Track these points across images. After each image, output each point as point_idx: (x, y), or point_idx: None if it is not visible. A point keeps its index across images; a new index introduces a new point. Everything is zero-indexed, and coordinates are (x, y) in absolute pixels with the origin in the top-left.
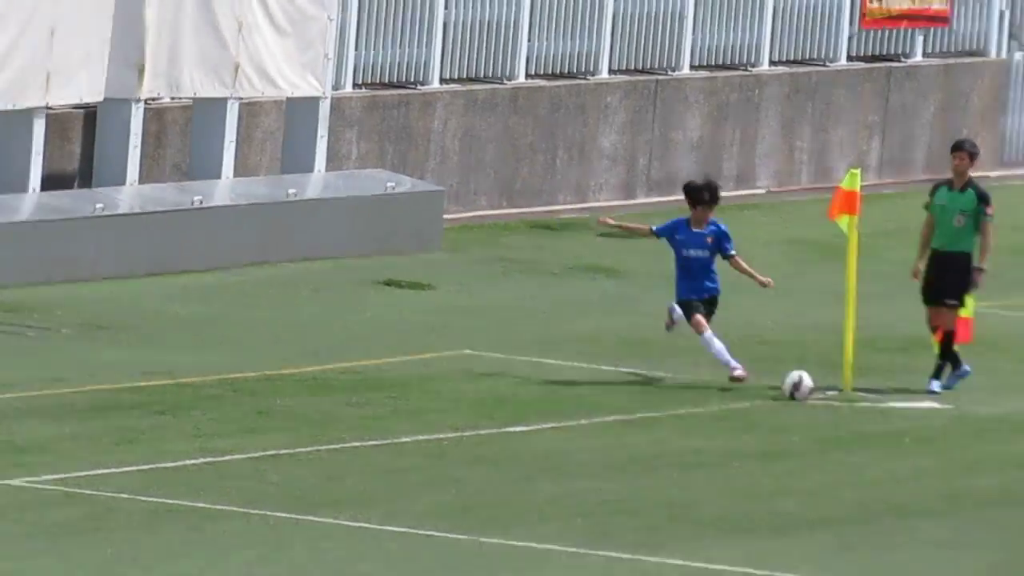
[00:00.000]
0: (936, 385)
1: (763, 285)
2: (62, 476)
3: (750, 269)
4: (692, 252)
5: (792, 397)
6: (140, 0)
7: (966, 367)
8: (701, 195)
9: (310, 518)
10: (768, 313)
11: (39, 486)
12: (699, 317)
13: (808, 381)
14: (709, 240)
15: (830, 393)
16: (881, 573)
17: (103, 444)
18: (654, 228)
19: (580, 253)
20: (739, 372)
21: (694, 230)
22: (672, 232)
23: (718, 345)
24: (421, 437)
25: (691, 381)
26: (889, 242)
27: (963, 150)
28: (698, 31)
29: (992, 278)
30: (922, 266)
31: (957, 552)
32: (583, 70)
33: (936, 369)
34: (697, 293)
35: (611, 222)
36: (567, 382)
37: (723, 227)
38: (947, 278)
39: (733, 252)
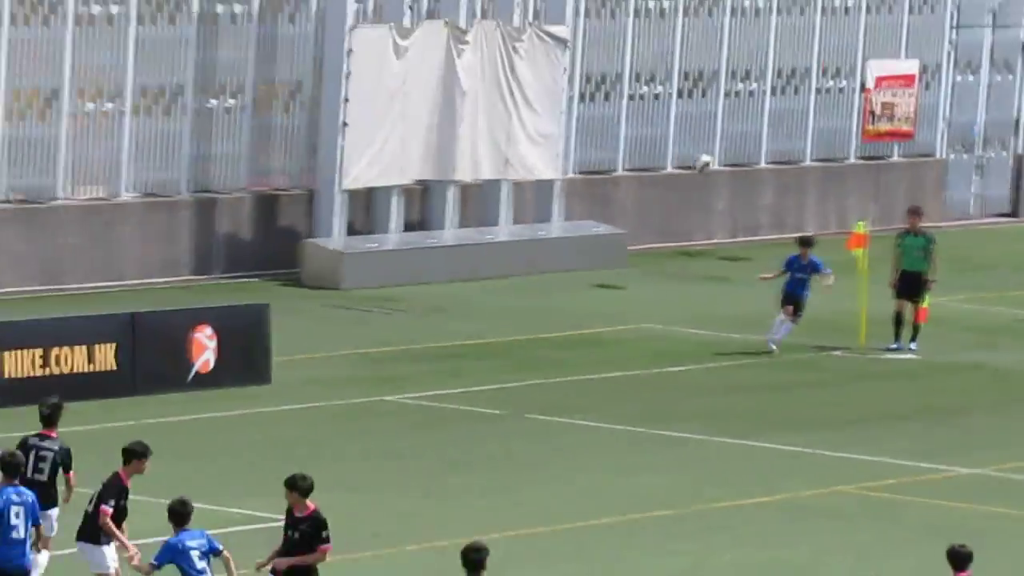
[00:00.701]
0: (913, 345)
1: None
2: (416, 395)
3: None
4: (798, 275)
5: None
6: (453, 124)
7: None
8: (804, 241)
9: (555, 419)
10: (819, 303)
11: (404, 401)
12: (789, 307)
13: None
14: (808, 268)
15: (849, 349)
16: (878, 450)
17: (439, 376)
18: (783, 268)
19: (706, 269)
20: (771, 347)
21: (802, 262)
22: (790, 265)
23: (781, 329)
24: (618, 373)
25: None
26: (881, 264)
27: (914, 212)
28: (769, 142)
29: (939, 285)
30: (894, 279)
31: (927, 440)
32: (606, 173)
33: (911, 337)
34: (796, 290)
35: (767, 276)
36: (700, 342)
37: (816, 259)
38: (913, 287)
39: (829, 271)
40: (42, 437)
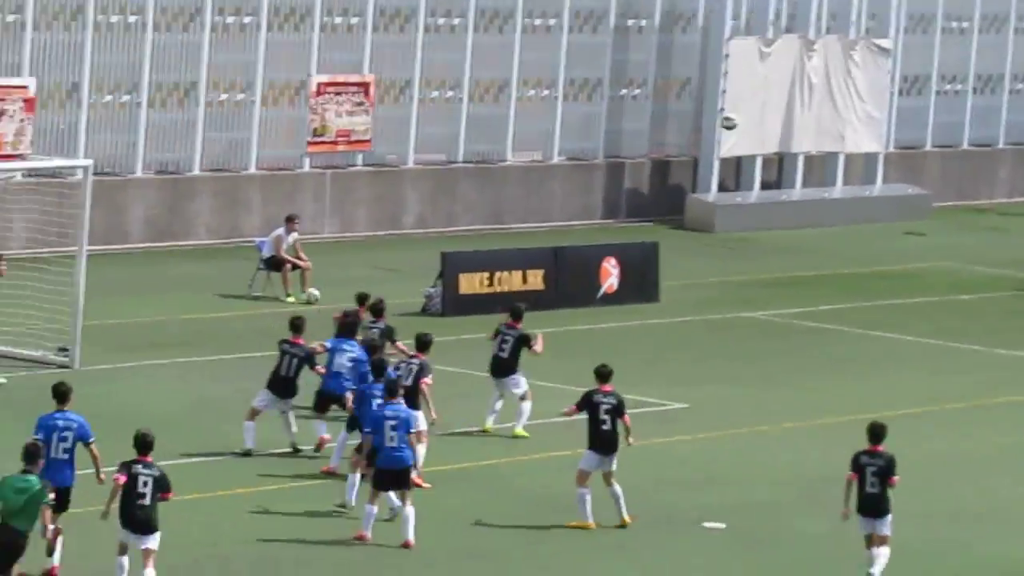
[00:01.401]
0: None
1: None
2: (767, 312)
3: None
4: None
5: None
6: (802, 110)
7: None
8: None
9: (870, 332)
10: None
11: (757, 316)
12: None
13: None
14: None
15: None
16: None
17: (784, 298)
18: None
19: (990, 222)
20: None
21: None
22: None
23: None
24: (920, 299)
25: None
26: None
27: None
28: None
29: None
30: None
31: None
32: (917, 148)
33: None
34: None
35: None
36: (985, 277)
37: None
38: None
39: None
40: (510, 327)
